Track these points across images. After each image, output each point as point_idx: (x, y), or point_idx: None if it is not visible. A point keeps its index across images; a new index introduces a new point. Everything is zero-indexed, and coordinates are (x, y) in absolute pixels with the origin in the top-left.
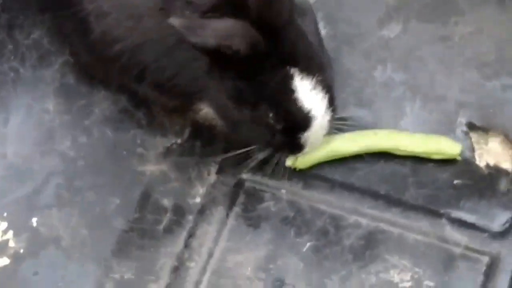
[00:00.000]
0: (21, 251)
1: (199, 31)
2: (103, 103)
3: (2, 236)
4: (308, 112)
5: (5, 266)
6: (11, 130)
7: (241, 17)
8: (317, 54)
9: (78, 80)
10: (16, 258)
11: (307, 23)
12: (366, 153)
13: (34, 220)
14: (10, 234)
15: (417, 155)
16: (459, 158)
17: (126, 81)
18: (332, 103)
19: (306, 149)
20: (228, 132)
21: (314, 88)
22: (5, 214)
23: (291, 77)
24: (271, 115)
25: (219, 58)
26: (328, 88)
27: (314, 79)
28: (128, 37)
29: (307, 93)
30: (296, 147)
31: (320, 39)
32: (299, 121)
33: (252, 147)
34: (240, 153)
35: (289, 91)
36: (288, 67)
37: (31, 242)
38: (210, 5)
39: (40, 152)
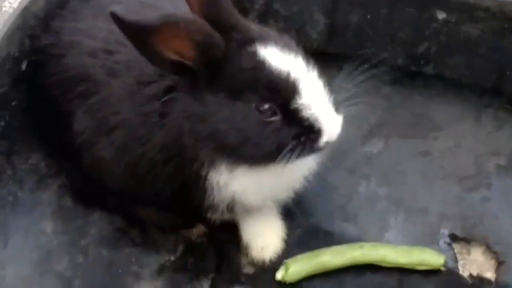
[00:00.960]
0: None
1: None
2: (98, 223)
3: None
4: (297, 84)
5: None
6: (10, 253)
7: None
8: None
9: (75, 202)
10: None
11: None
12: (353, 265)
13: None
14: None
15: (402, 266)
16: (443, 268)
17: (120, 199)
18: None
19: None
20: (247, 158)
21: (288, 54)
22: None
23: (255, 51)
24: (265, 106)
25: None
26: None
27: (274, 46)
28: (107, 153)
29: (274, 54)
30: (318, 133)
31: None
32: (295, 95)
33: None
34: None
35: (265, 66)
36: (251, 43)
37: None
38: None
39: (39, 273)
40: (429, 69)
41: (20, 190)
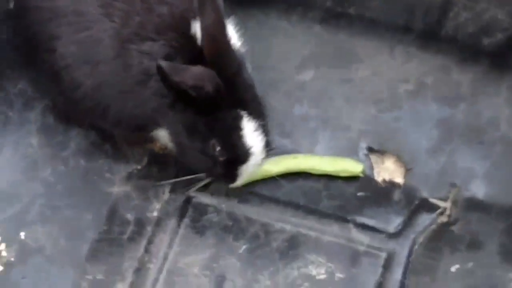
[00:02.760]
0: (12, 259)
1: (181, 72)
2: (77, 138)
3: None
4: (249, 149)
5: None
6: (2, 162)
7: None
8: (261, 102)
9: (56, 120)
10: (8, 265)
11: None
12: (288, 173)
13: (22, 234)
14: (2, 246)
15: (328, 173)
16: (361, 175)
17: (93, 120)
18: (268, 145)
19: (240, 180)
20: (178, 158)
21: (257, 129)
22: None
23: (240, 117)
24: (218, 148)
25: (185, 96)
26: (267, 132)
27: (257, 122)
28: (87, 81)
29: (251, 133)
30: (232, 178)
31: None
32: (240, 155)
33: (197, 174)
34: (188, 178)
35: (237, 129)
36: (238, 109)
37: (20, 252)
38: (165, 55)
39: (26, 178)
40: (352, 10)
41: (10, 110)
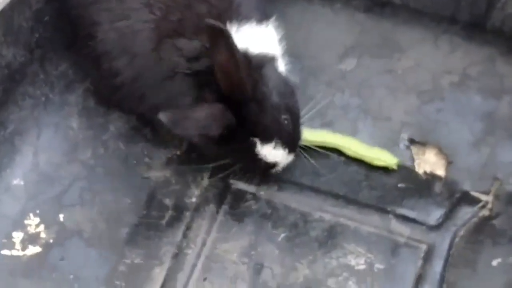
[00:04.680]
0: (51, 241)
1: (183, 123)
2: (117, 122)
3: (35, 229)
4: (272, 164)
5: (38, 253)
6: (42, 143)
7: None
8: (276, 119)
9: (97, 103)
10: (46, 246)
11: (268, 73)
12: (323, 146)
13: (61, 216)
14: (41, 227)
15: (362, 158)
16: (395, 168)
17: (132, 105)
18: (293, 150)
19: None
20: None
21: (275, 147)
22: (38, 211)
23: (254, 145)
24: (245, 160)
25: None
26: (289, 142)
27: (273, 143)
28: (126, 71)
29: (269, 153)
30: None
31: (281, 79)
32: (265, 167)
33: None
34: (227, 163)
35: (255, 155)
36: (251, 138)
37: (58, 234)
38: (195, 55)
39: (67, 161)
40: (397, 0)
41: (51, 92)
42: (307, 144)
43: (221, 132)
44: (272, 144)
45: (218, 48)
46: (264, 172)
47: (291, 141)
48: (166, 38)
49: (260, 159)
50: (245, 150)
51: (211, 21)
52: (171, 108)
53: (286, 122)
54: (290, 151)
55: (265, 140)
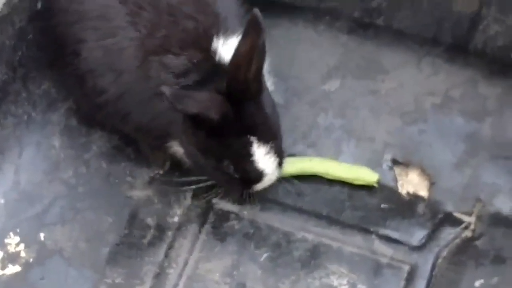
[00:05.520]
0: (31, 260)
1: (185, 100)
2: (99, 141)
3: (15, 248)
4: (261, 171)
5: (17, 273)
6: (24, 162)
7: (209, 85)
8: (272, 124)
9: (79, 122)
10: (26, 265)
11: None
12: (304, 175)
13: (41, 235)
14: (21, 246)
15: (342, 179)
16: (376, 185)
17: (116, 123)
18: (280, 164)
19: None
20: (194, 172)
21: (268, 153)
22: (18, 230)
23: (250, 144)
24: (231, 168)
25: (194, 119)
26: (279, 152)
27: (268, 146)
28: (111, 89)
29: (262, 157)
30: (247, 193)
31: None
32: (253, 177)
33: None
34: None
35: (248, 155)
36: (248, 135)
37: (39, 253)
38: (183, 70)
39: (48, 180)
40: (380, 21)
41: (33, 111)
42: (286, 175)
43: (218, 119)
44: (267, 147)
45: (247, 38)
46: (247, 189)
47: (280, 154)
48: (152, 55)
49: (248, 168)
50: (237, 149)
51: (257, 11)
52: (157, 127)
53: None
54: (278, 165)
55: (263, 140)
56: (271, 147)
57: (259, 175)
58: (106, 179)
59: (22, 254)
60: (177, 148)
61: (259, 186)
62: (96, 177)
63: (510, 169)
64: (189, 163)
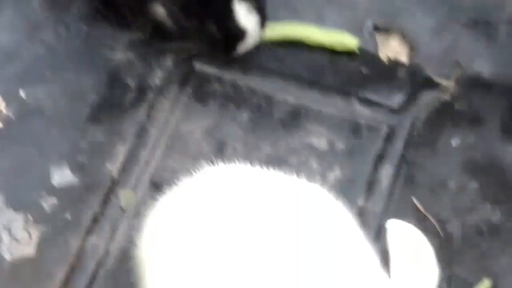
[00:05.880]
0: (12, 117)
1: None
2: (78, 3)
3: None
4: (244, 30)
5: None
6: (2, 23)
7: None
8: None
9: None
10: (8, 123)
11: None
12: (283, 40)
13: (22, 93)
14: (3, 104)
15: (323, 45)
16: (356, 51)
17: None
18: (263, 23)
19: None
20: (177, 35)
21: (250, 11)
22: None
23: (231, 0)
24: (214, 28)
25: None
26: (262, 12)
27: (249, 3)
28: None
29: (244, 14)
30: (229, 53)
31: None
32: (236, 35)
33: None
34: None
35: (230, 11)
36: None
37: (20, 111)
38: None
39: (27, 39)
40: None
41: None
42: (268, 41)
43: None
44: (249, 4)
45: None
46: (230, 50)
47: (263, 14)
48: None
49: (230, 25)
50: (219, 7)
51: None
52: None
53: None
54: (261, 25)
55: None
56: (252, 5)
57: (241, 33)
58: (86, 41)
59: (4, 111)
60: (159, 10)
61: (242, 47)
62: (76, 39)
63: (490, 33)
64: (171, 26)
